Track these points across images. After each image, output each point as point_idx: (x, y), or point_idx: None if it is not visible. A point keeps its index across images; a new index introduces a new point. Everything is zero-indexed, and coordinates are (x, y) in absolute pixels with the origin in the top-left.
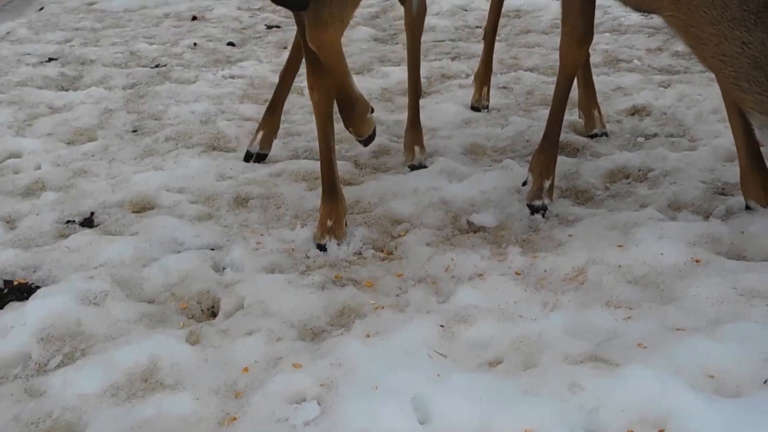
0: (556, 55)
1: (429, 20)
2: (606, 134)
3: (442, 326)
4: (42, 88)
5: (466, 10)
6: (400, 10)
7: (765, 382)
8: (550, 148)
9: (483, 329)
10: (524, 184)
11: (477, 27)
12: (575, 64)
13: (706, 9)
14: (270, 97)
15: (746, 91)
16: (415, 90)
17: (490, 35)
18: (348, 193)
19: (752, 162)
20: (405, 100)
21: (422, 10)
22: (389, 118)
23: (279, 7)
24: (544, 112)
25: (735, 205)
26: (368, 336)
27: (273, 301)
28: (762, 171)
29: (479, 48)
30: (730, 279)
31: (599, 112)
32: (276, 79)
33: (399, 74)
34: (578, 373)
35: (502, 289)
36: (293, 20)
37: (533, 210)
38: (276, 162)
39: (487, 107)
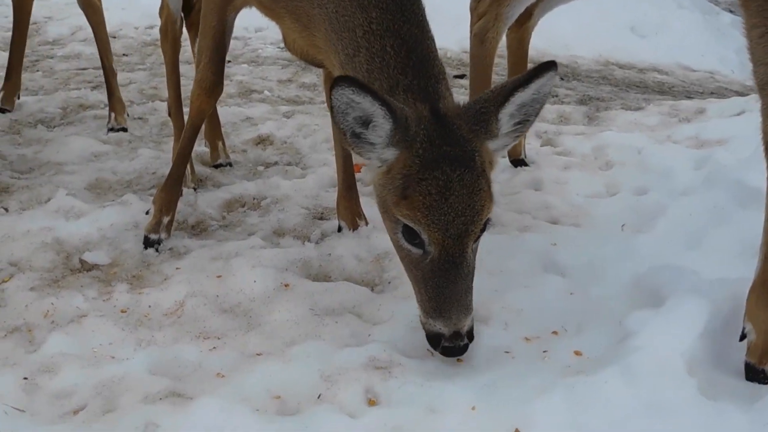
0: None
1: (74, 47)
2: (230, 164)
3: (25, 378)
4: None
5: (114, 38)
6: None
7: (319, 396)
8: (173, 186)
9: (68, 377)
10: (147, 212)
11: (123, 55)
12: (203, 112)
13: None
14: None
15: None
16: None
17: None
18: None
19: (346, 187)
20: (35, 133)
21: None
22: (14, 152)
23: None
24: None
25: (329, 229)
26: None
27: None
28: (353, 196)
29: (121, 76)
30: (309, 300)
31: (223, 143)
32: None
33: (33, 104)
34: (155, 412)
35: (100, 330)
36: None
37: (148, 244)
38: None
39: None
